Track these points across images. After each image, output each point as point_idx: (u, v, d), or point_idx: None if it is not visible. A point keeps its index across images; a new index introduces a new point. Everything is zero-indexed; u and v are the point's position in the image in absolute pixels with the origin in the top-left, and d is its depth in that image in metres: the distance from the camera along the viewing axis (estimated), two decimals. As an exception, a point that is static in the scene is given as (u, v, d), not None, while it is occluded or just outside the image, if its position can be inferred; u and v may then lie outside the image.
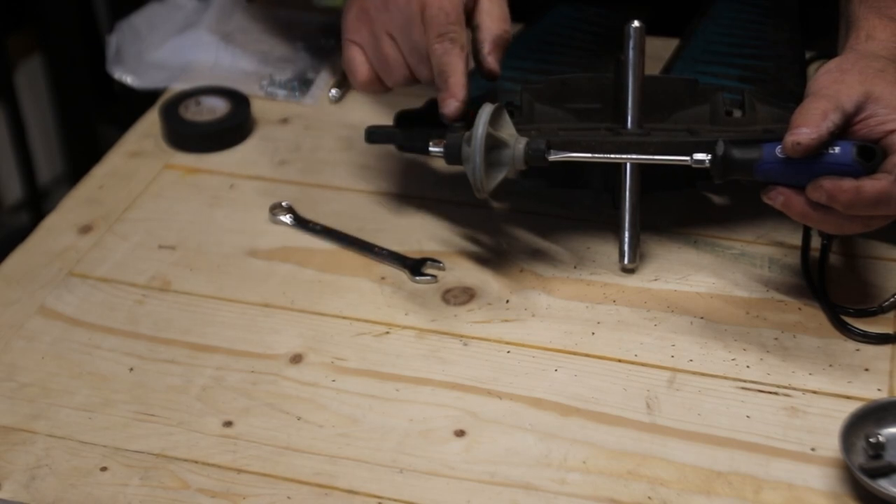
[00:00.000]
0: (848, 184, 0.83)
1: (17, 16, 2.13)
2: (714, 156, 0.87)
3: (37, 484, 0.82)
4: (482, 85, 1.07)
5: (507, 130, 0.91)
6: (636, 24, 0.96)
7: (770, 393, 0.87)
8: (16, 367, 0.91)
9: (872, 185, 0.83)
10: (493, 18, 0.95)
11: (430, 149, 0.93)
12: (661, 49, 1.14)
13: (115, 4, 2.18)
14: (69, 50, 2.15)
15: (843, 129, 0.85)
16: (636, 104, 0.96)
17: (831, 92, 0.85)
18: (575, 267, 0.98)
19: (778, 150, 0.85)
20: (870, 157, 0.84)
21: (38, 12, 2.12)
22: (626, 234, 0.97)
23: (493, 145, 0.90)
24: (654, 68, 1.11)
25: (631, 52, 0.96)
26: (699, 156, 0.88)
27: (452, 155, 0.91)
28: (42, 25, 2.14)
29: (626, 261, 0.97)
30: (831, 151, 0.84)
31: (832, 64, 0.89)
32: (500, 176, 0.91)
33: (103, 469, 0.83)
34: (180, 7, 1.32)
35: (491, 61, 0.95)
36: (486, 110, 0.89)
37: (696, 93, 0.98)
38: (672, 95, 0.98)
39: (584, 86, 0.98)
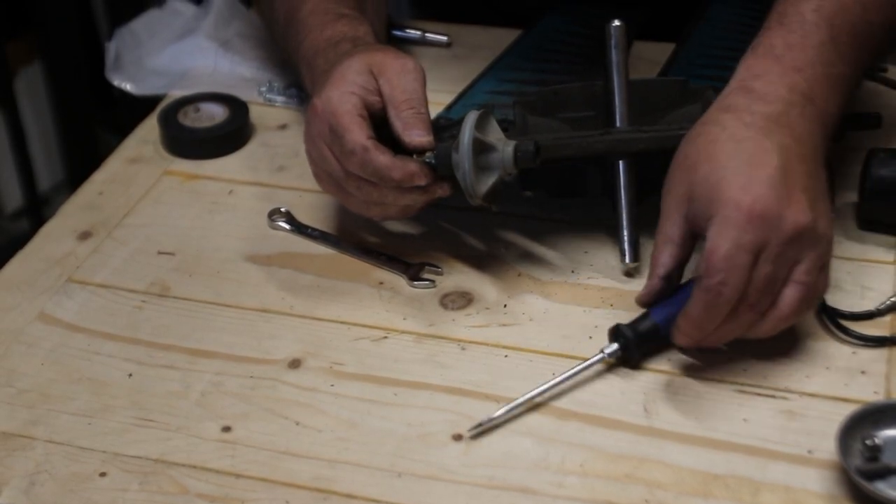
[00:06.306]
0: None
1: (17, 23, 2.14)
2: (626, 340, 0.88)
3: (36, 490, 0.82)
4: (477, 101, 1.08)
5: (495, 134, 0.91)
6: (617, 23, 0.96)
7: (767, 396, 0.87)
8: (15, 373, 0.91)
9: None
10: (395, 88, 0.93)
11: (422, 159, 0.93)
12: (657, 53, 1.14)
13: (114, 11, 2.19)
14: (69, 57, 2.15)
15: (694, 239, 0.88)
16: (623, 103, 0.96)
17: (661, 223, 0.88)
18: (572, 271, 0.99)
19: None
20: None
21: (38, 19, 2.12)
22: (626, 233, 0.97)
23: (481, 150, 0.90)
24: (651, 72, 1.11)
25: (613, 52, 0.96)
26: None
27: (442, 164, 0.91)
28: (42, 32, 2.15)
29: (627, 259, 0.97)
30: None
31: (681, 150, 0.89)
32: (490, 180, 0.91)
33: (102, 474, 0.83)
34: (179, 13, 1.32)
35: (413, 136, 0.92)
36: (471, 116, 0.89)
37: (686, 93, 0.98)
38: (663, 97, 0.98)
39: (576, 94, 0.98)
